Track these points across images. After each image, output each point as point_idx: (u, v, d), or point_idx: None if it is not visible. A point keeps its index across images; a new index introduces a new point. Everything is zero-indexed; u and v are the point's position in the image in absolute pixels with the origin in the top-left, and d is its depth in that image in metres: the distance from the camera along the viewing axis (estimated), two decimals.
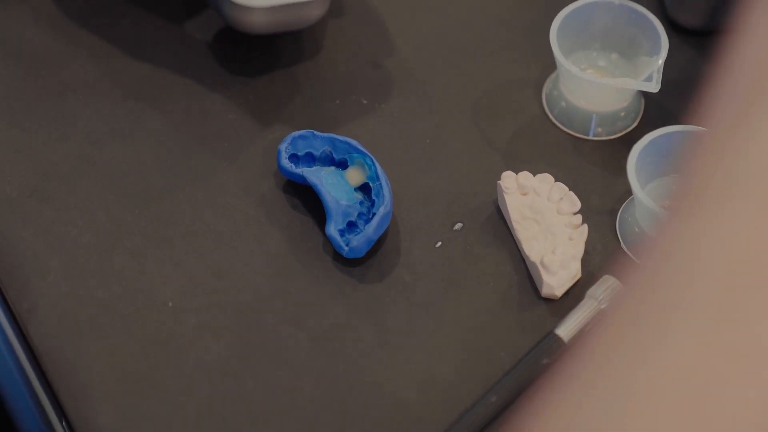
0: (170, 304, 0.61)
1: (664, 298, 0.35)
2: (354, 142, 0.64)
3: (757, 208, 0.34)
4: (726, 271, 0.34)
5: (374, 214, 0.62)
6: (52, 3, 0.71)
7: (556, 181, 0.64)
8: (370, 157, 0.64)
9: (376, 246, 0.63)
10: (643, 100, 0.70)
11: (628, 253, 0.64)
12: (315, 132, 0.64)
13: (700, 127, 0.64)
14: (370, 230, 0.62)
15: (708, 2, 0.70)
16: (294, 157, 0.64)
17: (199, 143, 0.67)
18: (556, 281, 0.61)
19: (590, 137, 0.68)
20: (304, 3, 0.66)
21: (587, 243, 0.64)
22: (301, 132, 0.64)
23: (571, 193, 0.64)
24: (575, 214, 0.63)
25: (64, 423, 0.58)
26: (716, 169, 0.34)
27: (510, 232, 0.64)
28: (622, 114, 0.69)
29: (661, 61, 0.65)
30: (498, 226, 0.65)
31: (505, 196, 0.64)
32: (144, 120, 0.67)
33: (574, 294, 0.62)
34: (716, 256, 0.34)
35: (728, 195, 0.34)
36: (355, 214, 0.63)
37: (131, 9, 0.71)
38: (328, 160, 0.65)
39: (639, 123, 0.69)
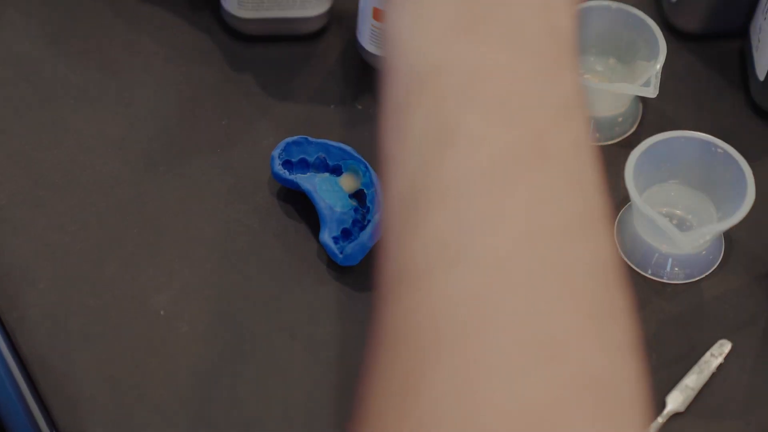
0: (162, 312, 0.61)
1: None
2: (348, 148, 0.64)
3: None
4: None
5: (369, 221, 0.62)
6: (44, 8, 0.71)
7: None
8: (365, 163, 0.63)
9: (371, 253, 0.63)
10: (641, 105, 0.69)
11: (626, 259, 0.64)
12: (309, 138, 0.64)
13: (699, 133, 0.64)
14: (365, 237, 0.61)
15: (707, 6, 0.70)
16: (287, 164, 0.64)
17: (192, 150, 0.67)
18: None
19: None
20: (300, 18, 0.69)
21: None
22: (295, 138, 0.64)
23: None
24: None
25: None
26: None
27: None
28: (620, 119, 0.69)
29: (659, 66, 0.65)
30: None
31: None
32: (136, 127, 0.67)
33: None
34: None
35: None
36: (350, 221, 0.63)
37: (123, 14, 0.71)
38: (322, 167, 0.64)
39: (637, 128, 0.69)
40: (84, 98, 0.68)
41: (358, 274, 0.62)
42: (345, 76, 0.70)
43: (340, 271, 0.63)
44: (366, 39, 0.68)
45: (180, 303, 0.61)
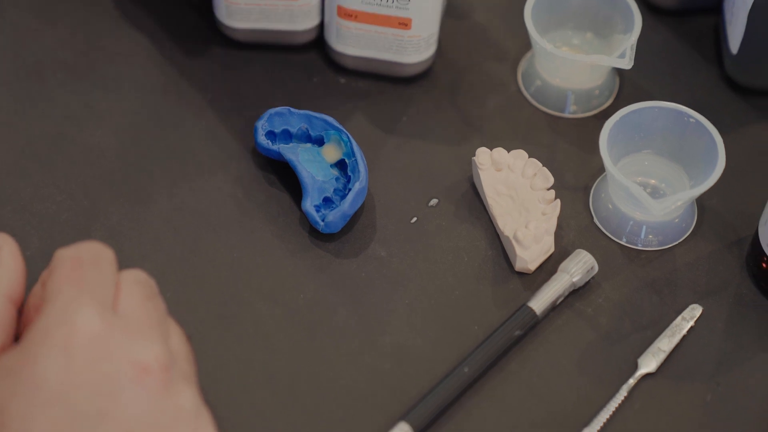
0: None
1: None
2: (330, 119, 0.66)
3: None
4: None
5: (350, 190, 0.64)
6: None
7: (530, 157, 0.66)
8: (346, 134, 0.65)
9: (352, 221, 0.65)
10: (618, 79, 0.71)
11: (601, 228, 0.66)
12: (291, 109, 0.66)
13: (672, 103, 0.66)
14: (346, 205, 0.63)
15: None
16: (271, 134, 0.66)
17: (177, 122, 0.68)
18: (529, 255, 0.63)
19: (566, 115, 0.70)
20: (289, 32, 0.70)
21: (561, 218, 0.65)
22: (278, 109, 0.66)
23: (545, 168, 0.65)
24: (549, 189, 0.65)
25: None
26: None
27: (484, 208, 0.66)
28: (597, 92, 0.70)
29: (634, 38, 0.66)
30: (473, 202, 0.66)
31: (480, 172, 0.65)
32: (121, 99, 0.69)
33: (548, 267, 0.64)
34: None
35: None
36: (331, 189, 0.64)
37: None
38: (305, 137, 0.66)
39: (614, 101, 0.71)
40: (70, 72, 0.70)
41: (338, 241, 0.64)
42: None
43: (321, 238, 0.64)
44: (333, 38, 0.69)
45: (165, 270, 0.63)
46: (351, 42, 0.68)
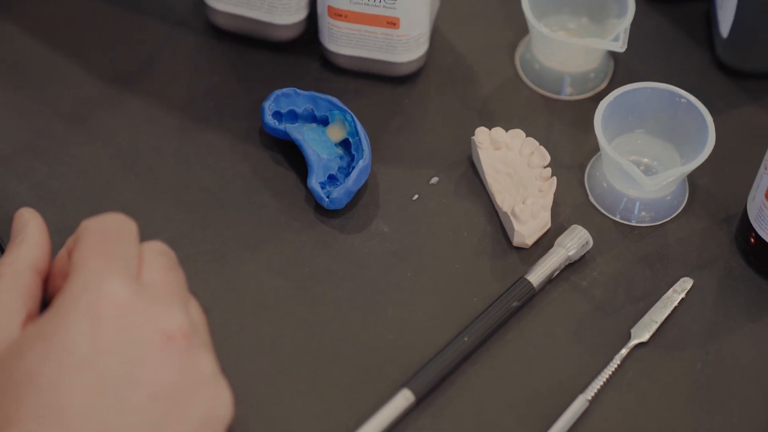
0: None
1: None
2: (335, 100, 0.67)
3: None
4: None
5: (354, 168, 0.65)
6: None
7: (527, 136, 0.68)
8: (350, 114, 0.67)
9: (356, 198, 0.67)
10: (612, 62, 0.73)
11: (596, 205, 0.67)
12: (297, 90, 0.68)
13: (663, 84, 0.68)
14: (350, 182, 0.65)
15: None
16: (277, 115, 0.68)
17: (187, 103, 0.70)
18: (526, 230, 0.65)
19: (562, 97, 0.72)
20: (268, 23, 0.70)
21: (557, 196, 0.67)
22: (284, 90, 0.68)
23: (542, 147, 0.67)
24: (545, 167, 0.67)
25: None
26: None
27: (483, 185, 0.68)
28: (592, 75, 0.72)
29: (627, 22, 0.68)
30: (472, 180, 0.68)
31: (479, 150, 0.67)
32: (134, 82, 0.71)
33: (544, 243, 0.66)
34: None
35: None
36: (336, 167, 0.66)
37: None
38: (310, 117, 0.68)
39: (608, 84, 0.72)
40: (84, 57, 0.72)
41: (343, 217, 0.66)
42: None
43: (326, 214, 0.66)
44: (325, 38, 0.70)
45: (175, 245, 0.64)
46: (343, 42, 0.69)
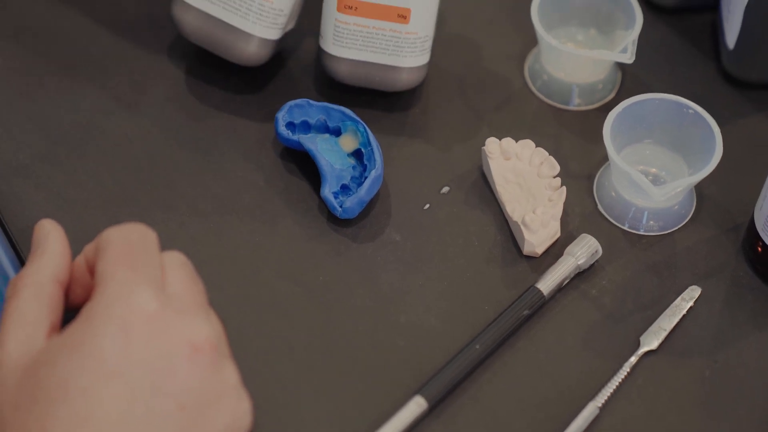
0: None
1: None
2: (347, 111, 0.68)
3: None
4: None
5: (366, 178, 0.66)
6: None
7: (537, 147, 0.68)
8: (363, 125, 0.67)
9: (368, 208, 0.67)
10: (620, 73, 0.73)
11: (605, 214, 0.68)
12: (310, 101, 0.68)
13: (671, 95, 0.68)
14: (363, 192, 0.65)
15: None
16: (291, 125, 0.68)
17: (201, 113, 0.70)
18: (536, 239, 0.65)
19: (570, 107, 0.72)
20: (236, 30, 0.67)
21: (567, 205, 0.68)
22: (297, 101, 0.68)
23: (551, 157, 0.67)
24: (555, 177, 0.67)
25: None
26: None
27: (494, 195, 0.68)
28: (600, 86, 0.72)
29: (635, 34, 0.68)
30: (482, 189, 0.68)
31: (489, 160, 0.68)
32: (149, 92, 0.71)
33: (554, 251, 0.66)
34: None
35: None
36: (348, 177, 0.67)
37: None
38: (323, 128, 0.68)
39: (616, 94, 0.73)
40: (99, 68, 0.72)
41: (356, 226, 0.67)
42: None
43: (339, 223, 0.67)
44: (329, 42, 0.69)
45: (190, 253, 0.64)
46: (348, 42, 0.68)
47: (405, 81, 0.69)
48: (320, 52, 0.70)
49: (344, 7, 0.67)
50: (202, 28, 0.68)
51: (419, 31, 0.67)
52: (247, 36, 0.67)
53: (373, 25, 0.67)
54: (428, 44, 0.69)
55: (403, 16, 0.66)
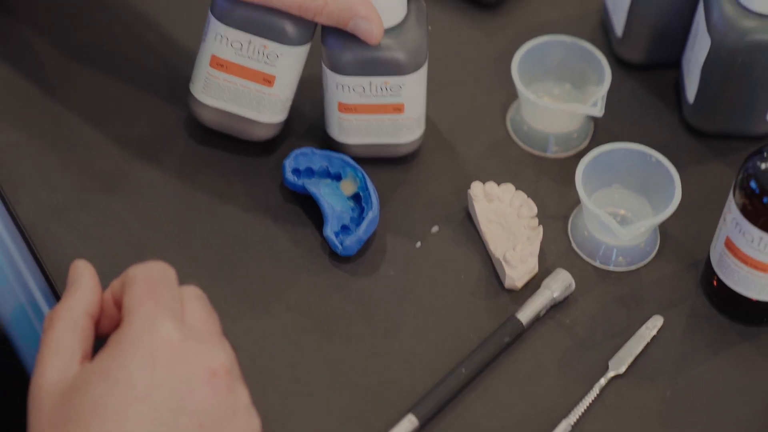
0: None
1: None
2: (347, 158, 0.72)
3: None
4: None
5: (364, 219, 0.70)
6: (85, 35, 0.80)
7: (517, 190, 0.73)
8: (361, 171, 0.72)
9: (366, 246, 0.72)
10: (592, 124, 0.78)
11: (578, 251, 0.72)
12: (314, 149, 0.73)
13: (636, 144, 0.73)
14: (361, 232, 0.70)
15: (647, 41, 0.78)
16: (296, 171, 0.73)
17: (216, 161, 0.75)
18: (516, 274, 0.70)
19: (548, 155, 0.77)
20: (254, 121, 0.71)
21: (544, 243, 0.72)
22: (302, 149, 0.73)
23: (530, 199, 0.72)
24: (533, 217, 0.72)
25: None
26: None
27: (478, 234, 0.73)
28: (575, 135, 0.77)
29: (604, 90, 0.73)
30: (468, 229, 0.73)
31: (474, 202, 0.72)
32: (170, 142, 0.75)
33: (532, 285, 0.70)
34: None
35: None
36: (348, 218, 0.71)
37: (156, 43, 0.80)
38: (325, 173, 0.73)
39: (589, 143, 0.77)
40: (127, 119, 0.76)
41: (354, 263, 0.71)
42: None
43: (340, 260, 0.71)
44: (335, 131, 0.72)
45: (206, 286, 0.68)
46: (352, 132, 0.72)
47: (407, 149, 0.74)
48: (189, 96, 0.72)
49: (344, 109, 0.71)
50: (217, 120, 0.72)
51: (414, 114, 0.71)
52: (258, 123, 0.72)
53: (373, 118, 0.71)
54: (423, 118, 0.73)
55: (398, 108, 0.70)
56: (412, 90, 0.70)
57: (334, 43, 0.68)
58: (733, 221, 0.64)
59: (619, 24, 0.79)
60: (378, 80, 0.69)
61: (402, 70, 0.68)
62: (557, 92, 0.78)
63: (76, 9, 0.81)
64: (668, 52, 0.79)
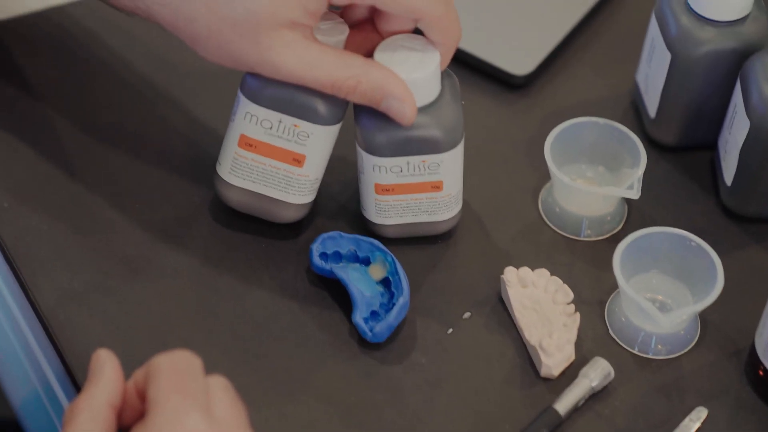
0: None
1: None
2: (376, 242, 0.71)
3: None
4: None
5: (394, 304, 0.68)
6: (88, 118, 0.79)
7: (551, 275, 0.71)
8: (390, 255, 0.70)
9: (396, 332, 0.70)
10: (626, 206, 0.76)
11: (616, 338, 0.70)
12: (342, 233, 0.71)
13: (675, 229, 0.70)
14: (391, 318, 0.68)
15: (681, 123, 0.77)
16: (324, 255, 0.71)
17: (241, 244, 0.73)
18: (553, 362, 0.67)
19: (581, 238, 0.75)
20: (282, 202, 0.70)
21: (580, 330, 0.70)
22: (330, 233, 0.71)
23: (565, 285, 0.70)
24: (569, 303, 0.70)
25: None
26: None
27: (512, 320, 0.70)
28: (609, 218, 0.75)
29: (640, 172, 0.71)
30: (501, 315, 0.71)
31: (508, 288, 0.70)
32: (193, 226, 0.74)
33: (569, 373, 0.68)
34: None
35: None
36: (377, 304, 0.69)
37: (179, 124, 0.79)
38: (353, 258, 0.71)
39: (624, 226, 0.75)
40: (149, 203, 0.75)
41: (384, 350, 0.69)
42: None
43: (369, 346, 0.69)
44: (372, 213, 0.71)
45: (232, 375, 0.66)
46: (390, 213, 0.70)
47: (446, 226, 0.72)
48: (215, 177, 0.71)
49: (382, 191, 0.69)
50: (244, 201, 0.71)
51: (453, 191, 0.70)
52: (286, 204, 0.70)
53: (411, 198, 0.69)
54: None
55: (436, 186, 0.69)
56: (450, 167, 0.69)
57: (368, 124, 0.67)
58: None
59: (652, 105, 0.77)
60: (416, 159, 0.67)
61: (440, 148, 0.67)
62: (590, 174, 0.76)
63: (99, 90, 0.80)
64: (703, 133, 0.77)
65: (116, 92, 0.80)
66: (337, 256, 0.71)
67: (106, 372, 0.57)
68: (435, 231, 0.73)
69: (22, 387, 0.73)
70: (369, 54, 0.68)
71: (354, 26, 0.69)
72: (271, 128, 0.67)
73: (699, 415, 0.66)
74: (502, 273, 0.71)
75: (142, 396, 0.56)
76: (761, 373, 0.66)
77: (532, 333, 0.68)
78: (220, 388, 0.56)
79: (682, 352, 0.69)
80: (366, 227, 0.73)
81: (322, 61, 0.65)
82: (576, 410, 0.66)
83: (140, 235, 0.73)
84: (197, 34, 0.66)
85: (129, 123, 0.78)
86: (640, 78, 0.79)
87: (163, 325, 0.70)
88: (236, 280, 0.72)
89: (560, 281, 0.70)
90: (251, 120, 0.67)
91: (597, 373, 0.67)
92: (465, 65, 0.82)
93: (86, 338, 0.68)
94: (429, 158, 0.68)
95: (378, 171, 0.68)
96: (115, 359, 0.57)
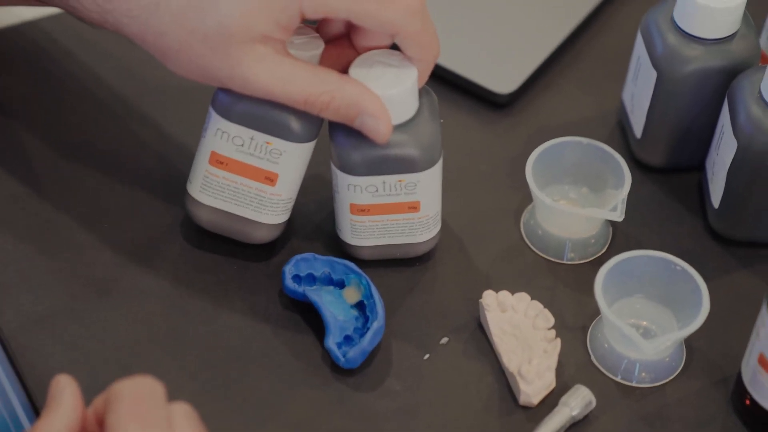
0: None
1: None
2: (351, 264, 0.68)
3: None
4: None
5: (368, 329, 0.66)
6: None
7: (532, 299, 0.68)
8: (365, 278, 0.68)
9: (370, 357, 0.67)
10: (611, 229, 0.74)
11: (598, 365, 0.67)
12: (316, 255, 0.69)
13: (660, 252, 0.68)
14: (365, 343, 0.65)
15: (667, 143, 0.75)
16: (297, 278, 0.68)
17: (212, 266, 0.71)
18: (532, 390, 0.65)
19: (564, 261, 0.72)
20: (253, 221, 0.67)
21: (561, 356, 0.67)
22: (304, 255, 0.69)
23: (546, 310, 0.67)
24: (549, 329, 0.67)
25: None
26: None
27: (491, 346, 0.68)
28: (593, 241, 0.73)
29: (625, 193, 0.69)
30: (480, 340, 0.68)
31: (487, 312, 0.68)
32: (162, 247, 0.72)
33: (549, 401, 0.66)
34: None
35: None
36: (351, 328, 0.67)
37: (150, 142, 0.76)
38: (328, 280, 0.69)
39: (608, 249, 0.73)
40: (117, 223, 0.73)
41: (358, 376, 0.66)
42: None
43: (342, 372, 0.66)
44: (347, 235, 0.69)
45: (198, 402, 0.64)
46: (366, 234, 0.68)
47: (424, 248, 0.70)
48: (186, 196, 0.69)
49: (357, 211, 0.67)
50: (214, 221, 0.68)
51: (430, 212, 0.68)
52: (258, 224, 0.68)
53: (387, 219, 0.67)
54: (439, 216, 0.69)
55: (413, 207, 0.67)
56: (427, 186, 0.66)
57: (343, 142, 0.64)
58: (767, 336, 0.59)
59: (638, 125, 0.75)
60: (392, 179, 0.65)
61: (416, 167, 0.65)
62: (573, 195, 0.74)
63: (68, 106, 0.78)
64: (690, 154, 0.75)
65: (86, 108, 0.78)
66: (311, 279, 0.69)
67: (65, 398, 0.54)
68: (412, 253, 0.70)
69: None
70: (345, 70, 0.65)
71: (330, 41, 0.67)
72: (242, 145, 0.65)
73: None
74: (481, 297, 0.68)
75: (102, 423, 0.54)
76: (748, 402, 0.64)
77: (511, 359, 0.66)
78: (182, 415, 0.54)
79: (667, 380, 0.67)
80: (341, 249, 0.71)
81: (295, 76, 0.63)
82: None
83: (108, 256, 0.71)
84: (167, 48, 0.64)
85: (98, 140, 0.76)
86: (626, 97, 0.77)
87: (129, 349, 0.67)
88: (207, 303, 0.69)
89: (541, 306, 0.68)
90: (222, 137, 0.65)
91: (578, 401, 0.64)
92: (447, 83, 0.80)
93: (49, 363, 0.66)
94: (406, 177, 0.65)
95: (353, 190, 0.66)
96: (74, 385, 0.55)
